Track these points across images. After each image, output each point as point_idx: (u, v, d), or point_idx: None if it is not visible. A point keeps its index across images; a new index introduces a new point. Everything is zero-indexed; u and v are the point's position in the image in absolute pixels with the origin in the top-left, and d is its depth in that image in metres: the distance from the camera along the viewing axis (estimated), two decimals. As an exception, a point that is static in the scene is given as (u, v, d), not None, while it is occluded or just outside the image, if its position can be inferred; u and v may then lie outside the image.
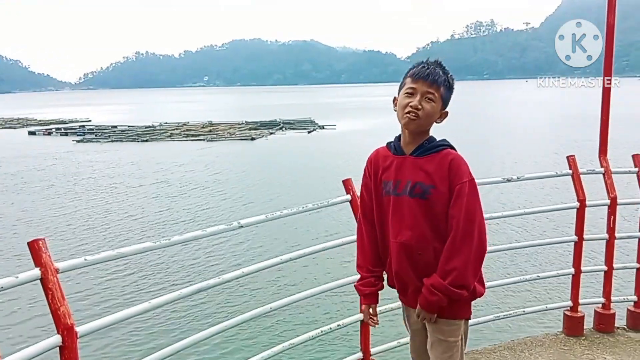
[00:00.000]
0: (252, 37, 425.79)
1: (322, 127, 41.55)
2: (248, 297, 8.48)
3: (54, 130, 45.53)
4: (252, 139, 36.06)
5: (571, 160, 3.89)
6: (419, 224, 2.07)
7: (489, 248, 4.08)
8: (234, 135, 37.78)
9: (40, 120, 57.74)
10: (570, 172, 3.86)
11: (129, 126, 45.54)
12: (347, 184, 3.18)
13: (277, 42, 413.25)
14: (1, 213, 15.39)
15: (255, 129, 41.94)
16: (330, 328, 3.13)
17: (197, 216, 14.58)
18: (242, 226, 2.73)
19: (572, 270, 3.91)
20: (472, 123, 42.82)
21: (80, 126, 47.58)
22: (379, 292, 2.28)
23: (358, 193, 3.17)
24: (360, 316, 3.16)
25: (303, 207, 3.07)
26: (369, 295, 2.28)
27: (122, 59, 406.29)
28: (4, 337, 7.08)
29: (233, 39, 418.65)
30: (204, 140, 36.06)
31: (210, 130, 40.98)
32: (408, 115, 2.05)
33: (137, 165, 24.94)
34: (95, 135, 40.30)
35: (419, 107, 2.04)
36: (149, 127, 44.56)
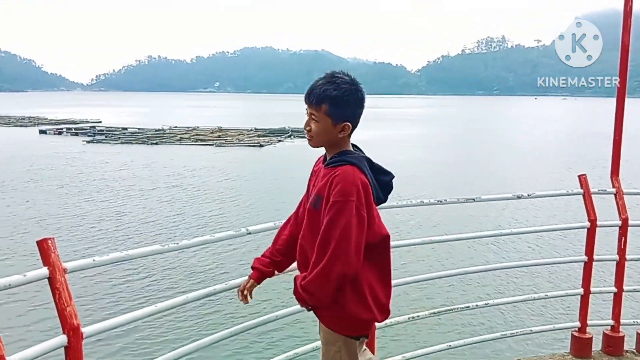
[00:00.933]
0: (264, 45, 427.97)
1: (331, 137, 41.56)
2: (255, 304, 8.43)
3: (64, 130, 45.83)
4: (261, 145, 36.16)
5: (582, 180, 3.86)
6: (309, 231, 2.18)
7: (498, 265, 4.04)
8: (242, 142, 37.91)
9: (51, 120, 58.21)
10: (582, 191, 3.82)
11: (139, 129, 45.78)
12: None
13: (288, 50, 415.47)
14: (12, 211, 15.45)
15: (264, 136, 42.07)
16: (335, 339, 3.10)
17: (206, 221, 14.59)
18: (250, 233, 2.71)
19: (581, 290, 3.86)
20: (483, 138, 42.75)
21: (90, 127, 47.89)
22: (265, 277, 2.39)
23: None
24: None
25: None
26: (254, 269, 2.37)
27: (135, 62, 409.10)
28: (10, 335, 7.06)
29: (245, 47, 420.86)
30: (212, 145, 36.20)
31: (219, 136, 41.14)
32: (306, 136, 2.21)
33: (147, 168, 25.04)
34: (106, 137, 40.54)
35: (307, 128, 2.17)
36: (159, 130, 44.78)
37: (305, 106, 2.15)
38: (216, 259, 11.04)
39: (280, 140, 39.63)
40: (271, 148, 35.42)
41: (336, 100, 2.08)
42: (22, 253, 11.35)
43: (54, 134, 44.00)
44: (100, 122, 56.19)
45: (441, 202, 3.52)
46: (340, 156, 2.13)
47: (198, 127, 47.82)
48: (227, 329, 2.67)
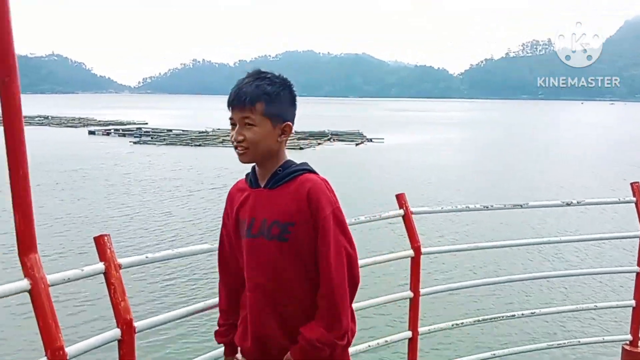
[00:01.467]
0: (305, 49, 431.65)
1: (370, 140, 41.45)
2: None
3: (112, 130, 47.36)
4: (301, 148, 36.37)
5: (635, 187, 3.72)
6: (280, 272, 1.76)
7: (545, 273, 3.94)
8: (283, 144, 38.24)
9: (99, 121, 60.22)
10: (634, 199, 3.69)
11: (183, 130, 46.84)
12: (400, 199, 3.15)
13: (329, 54, 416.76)
14: (65, 209, 16.02)
15: (304, 138, 42.30)
16: (378, 343, 3.09)
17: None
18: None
19: (632, 302, 3.71)
20: (529, 143, 41.66)
21: (137, 128, 49.26)
22: (237, 346, 1.99)
23: (412, 208, 3.15)
24: (408, 334, 3.11)
25: (355, 219, 3.05)
26: (224, 346, 2.03)
27: (180, 65, 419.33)
28: (68, 327, 7.34)
29: (286, 50, 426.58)
30: (254, 148, 36.68)
31: (260, 139, 41.62)
32: (236, 150, 1.81)
33: (193, 169, 25.59)
34: (151, 138, 41.63)
35: (240, 138, 1.77)
36: (202, 132, 45.68)
37: (231, 115, 1.81)
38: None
39: (319, 143, 39.75)
40: (311, 151, 35.57)
41: (272, 96, 1.77)
42: (72, 249, 11.79)
43: (103, 134, 45.52)
44: (146, 123, 57.72)
45: (487, 207, 3.47)
46: (290, 168, 1.82)
47: (240, 130, 48.48)
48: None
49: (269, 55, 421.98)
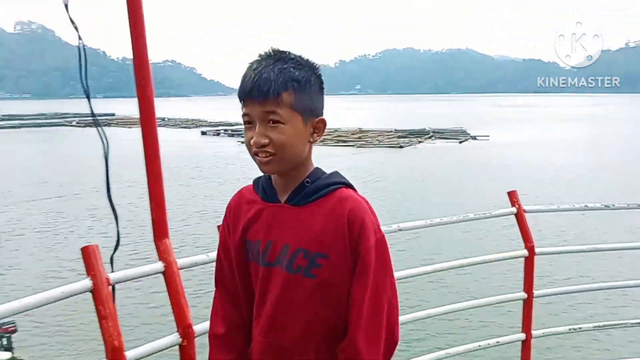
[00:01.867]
0: (405, 47, 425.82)
1: (474, 138, 40.05)
2: (401, 301, 8.39)
3: (222, 131, 50.12)
4: (401, 147, 36.05)
5: None
6: (301, 315, 1.35)
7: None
8: (382, 143, 38.14)
9: (210, 122, 64.01)
10: None
11: (286, 130, 48.35)
12: (512, 196, 3.04)
13: (430, 51, 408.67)
14: (181, 205, 17.13)
15: (404, 137, 41.90)
16: (489, 344, 3.01)
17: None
18: (401, 229, 2.74)
19: None
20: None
21: (244, 129, 51.75)
22: None
23: (525, 207, 3.02)
24: (521, 336, 2.99)
25: (464, 216, 3.00)
26: None
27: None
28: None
29: (386, 49, 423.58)
30: (353, 146, 36.93)
31: (359, 137, 41.87)
32: (258, 157, 1.33)
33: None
34: (256, 138, 43.51)
35: (264, 141, 1.29)
36: (303, 132, 46.83)
37: (247, 110, 1.32)
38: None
39: (420, 142, 39.13)
40: (411, 149, 35.13)
41: (302, 83, 1.32)
42: (187, 239, 12.71)
43: (213, 135, 48.42)
44: (251, 124, 60.26)
45: (608, 207, 3.25)
46: (322, 180, 1.38)
47: (339, 128, 49.13)
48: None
49: (369, 55, 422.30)
